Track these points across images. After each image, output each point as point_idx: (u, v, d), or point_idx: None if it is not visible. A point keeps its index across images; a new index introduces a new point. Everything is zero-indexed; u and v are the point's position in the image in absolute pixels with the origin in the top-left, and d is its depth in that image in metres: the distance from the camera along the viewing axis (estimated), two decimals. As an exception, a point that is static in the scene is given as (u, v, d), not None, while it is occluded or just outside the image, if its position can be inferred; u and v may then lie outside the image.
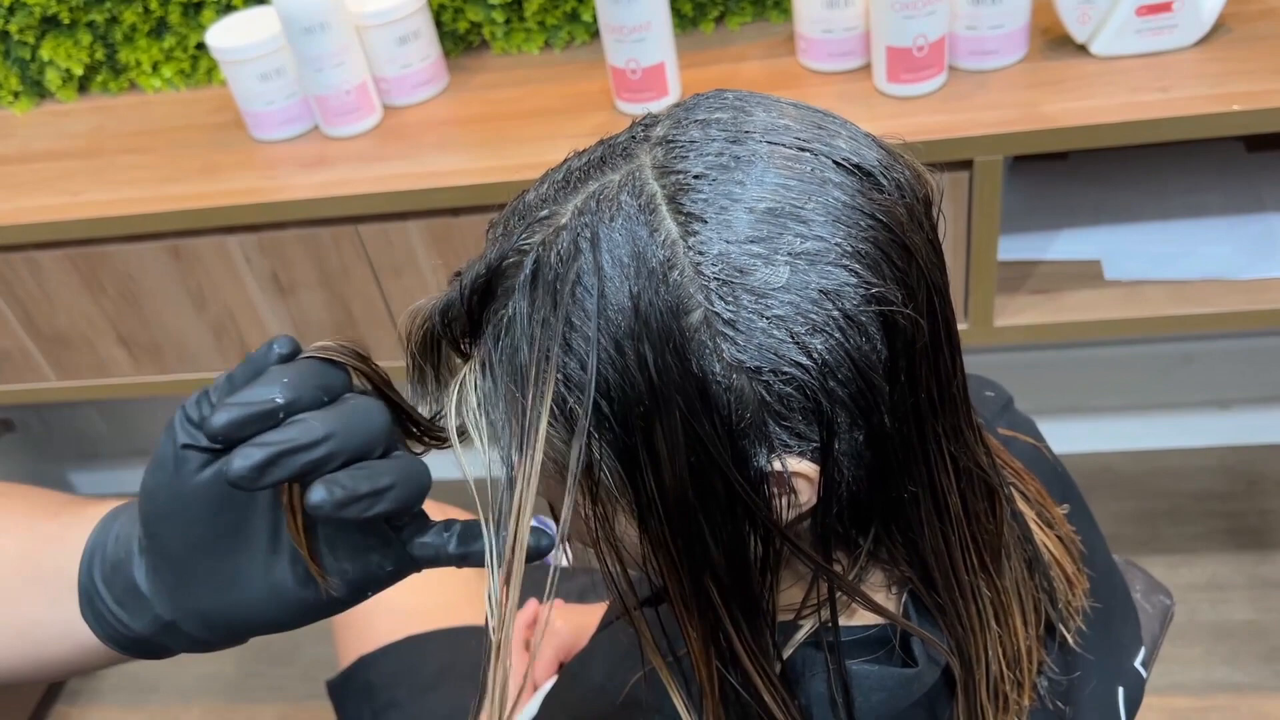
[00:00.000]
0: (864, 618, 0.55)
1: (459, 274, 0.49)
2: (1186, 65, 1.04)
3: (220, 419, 0.42)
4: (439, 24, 1.28)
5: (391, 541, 0.49)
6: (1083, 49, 1.08)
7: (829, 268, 0.44)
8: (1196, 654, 1.49)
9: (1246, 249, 1.16)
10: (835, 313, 0.44)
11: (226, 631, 0.49)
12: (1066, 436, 1.70)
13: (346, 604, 0.49)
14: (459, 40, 1.31)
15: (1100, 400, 1.69)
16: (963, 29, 1.06)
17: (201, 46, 1.34)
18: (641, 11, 1.06)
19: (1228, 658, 1.48)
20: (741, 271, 0.44)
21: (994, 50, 1.07)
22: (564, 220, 0.46)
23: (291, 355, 0.46)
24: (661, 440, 0.45)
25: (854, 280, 0.45)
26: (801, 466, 0.47)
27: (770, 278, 0.44)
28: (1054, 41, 1.11)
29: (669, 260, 0.44)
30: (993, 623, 0.55)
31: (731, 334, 0.44)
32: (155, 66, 1.36)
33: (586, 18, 1.27)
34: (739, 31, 1.26)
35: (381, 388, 0.48)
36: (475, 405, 0.49)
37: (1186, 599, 1.53)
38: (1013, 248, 1.21)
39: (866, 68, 1.12)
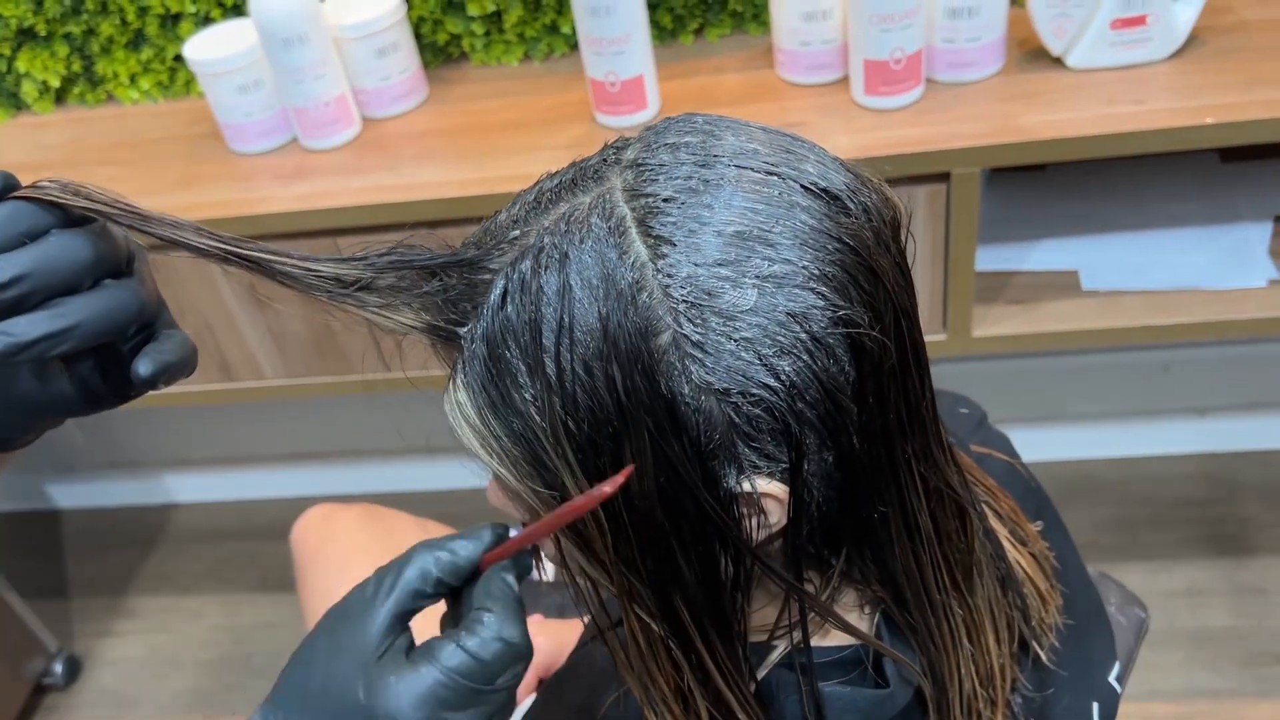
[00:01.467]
0: (837, 638, 0.55)
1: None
2: (1161, 78, 1.05)
3: None
4: (418, 36, 1.28)
5: (116, 357, 0.48)
6: (1058, 61, 1.09)
7: (796, 290, 0.45)
8: (1176, 660, 1.50)
9: (1222, 259, 1.17)
10: (803, 335, 0.44)
11: None
12: (1045, 445, 1.71)
13: (81, 408, 0.49)
14: (438, 52, 1.31)
15: (1078, 408, 1.70)
16: (940, 41, 1.07)
17: (179, 58, 1.33)
18: (621, 24, 1.06)
19: (1208, 664, 1.49)
20: (710, 294, 0.44)
21: (971, 63, 1.08)
22: (533, 241, 0.47)
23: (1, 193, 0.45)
24: (630, 461, 0.45)
25: (821, 303, 0.45)
26: (771, 487, 0.47)
27: (738, 300, 0.44)
28: (1030, 54, 1.11)
29: (638, 282, 0.44)
30: (965, 641, 0.55)
31: (700, 356, 0.44)
32: (133, 78, 1.36)
33: (566, 30, 1.27)
34: (718, 44, 1.26)
35: (106, 212, 0.47)
36: (459, 420, 0.49)
37: (1166, 606, 1.54)
38: (990, 259, 1.21)
39: (844, 80, 1.12)
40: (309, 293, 0.49)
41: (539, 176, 0.51)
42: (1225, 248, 1.18)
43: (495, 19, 1.28)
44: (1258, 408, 1.66)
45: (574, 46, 1.28)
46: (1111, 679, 0.68)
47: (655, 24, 1.25)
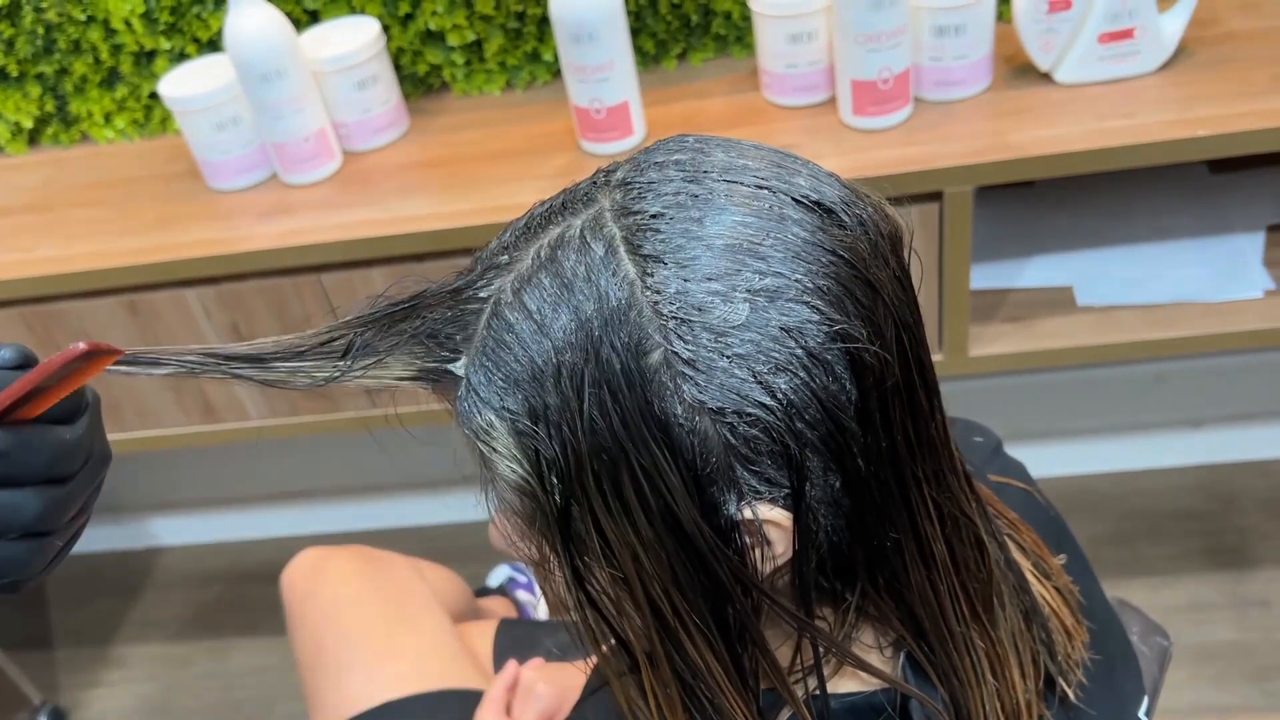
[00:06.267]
0: (855, 683, 0.53)
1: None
2: (1150, 91, 1.05)
3: None
4: (398, 67, 1.26)
5: None
6: (1046, 77, 1.08)
7: (789, 304, 0.43)
8: (1182, 677, 1.48)
9: (1215, 271, 1.16)
10: (799, 350, 0.43)
11: None
12: (1041, 460, 1.68)
13: None
14: (419, 83, 1.30)
15: (1074, 423, 1.69)
16: (927, 60, 1.06)
17: (155, 96, 1.31)
18: (604, 51, 1.05)
19: (1214, 680, 1.47)
20: (700, 309, 0.43)
21: (959, 81, 1.07)
22: (523, 266, 0.46)
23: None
24: (629, 489, 0.44)
25: (816, 317, 0.43)
26: (774, 514, 0.45)
27: (729, 315, 0.43)
28: (1017, 70, 1.11)
29: (627, 301, 0.43)
30: (989, 675, 0.53)
31: (692, 374, 0.43)
32: (107, 117, 1.33)
33: (548, 57, 1.26)
34: (702, 68, 1.25)
35: None
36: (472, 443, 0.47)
37: (1169, 621, 1.51)
38: (984, 277, 1.20)
39: (831, 101, 1.11)
40: (307, 388, 0.48)
41: (530, 206, 0.50)
42: (1219, 259, 1.17)
43: (475, 48, 1.27)
44: (1253, 417, 1.65)
45: (556, 74, 1.27)
46: (1141, 714, 0.66)
47: (638, 49, 1.24)
